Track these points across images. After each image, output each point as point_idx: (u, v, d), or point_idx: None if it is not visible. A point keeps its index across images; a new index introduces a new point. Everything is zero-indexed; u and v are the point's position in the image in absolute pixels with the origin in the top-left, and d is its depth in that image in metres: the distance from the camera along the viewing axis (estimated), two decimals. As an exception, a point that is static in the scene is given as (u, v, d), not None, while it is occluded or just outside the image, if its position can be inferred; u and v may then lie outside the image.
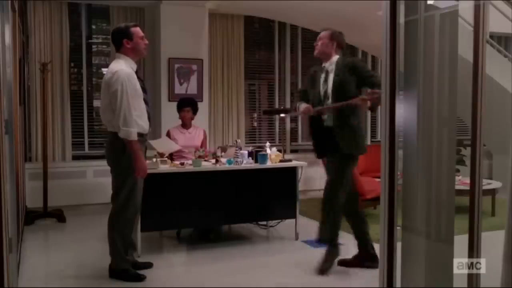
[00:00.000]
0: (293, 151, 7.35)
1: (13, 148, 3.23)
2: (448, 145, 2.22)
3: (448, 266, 2.04)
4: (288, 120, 7.36)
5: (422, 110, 2.17)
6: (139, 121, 3.47)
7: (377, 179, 5.01)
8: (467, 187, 1.89)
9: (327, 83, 3.69)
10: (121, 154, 3.45)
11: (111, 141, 3.52)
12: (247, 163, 4.45)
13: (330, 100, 3.64)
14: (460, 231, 2.02)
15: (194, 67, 6.48)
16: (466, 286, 1.95)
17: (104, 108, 3.53)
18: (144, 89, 3.65)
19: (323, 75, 3.74)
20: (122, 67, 3.45)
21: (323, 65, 3.76)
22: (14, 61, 3.69)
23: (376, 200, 5.01)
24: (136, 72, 3.60)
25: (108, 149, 3.61)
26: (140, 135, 3.47)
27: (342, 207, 3.66)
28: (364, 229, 3.81)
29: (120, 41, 3.53)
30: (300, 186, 4.79)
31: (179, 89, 6.41)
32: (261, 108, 7.58)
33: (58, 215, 5.46)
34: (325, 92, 3.69)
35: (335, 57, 3.72)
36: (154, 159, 4.17)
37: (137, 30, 3.58)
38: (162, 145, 4.55)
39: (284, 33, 7.60)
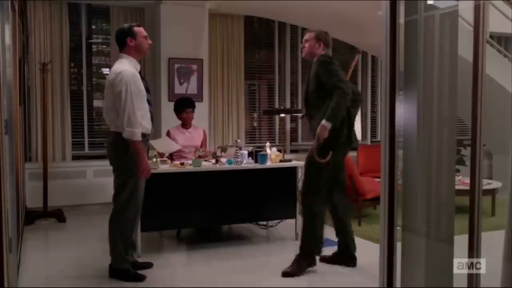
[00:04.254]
0: (293, 151, 7.34)
1: (13, 148, 3.23)
2: (448, 145, 2.22)
3: (448, 266, 2.05)
4: (288, 120, 7.35)
5: (422, 110, 2.17)
6: (143, 121, 3.47)
7: (377, 179, 5.02)
8: (467, 187, 1.89)
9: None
10: (123, 154, 3.45)
11: (113, 141, 3.51)
12: (247, 163, 4.45)
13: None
14: (460, 231, 2.02)
15: (194, 67, 6.48)
16: (466, 286, 1.95)
17: (107, 109, 3.52)
18: (147, 90, 3.65)
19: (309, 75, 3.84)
20: (126, 68, 3.45)
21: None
22: (14, 61, 3.69)
23: (376, 200, 5.02)
24: (140, 73, 3.60)
25: (110, 149, 3.60)
26: (143, 135, 3.47)
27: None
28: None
29: (124, 41, 3.53)
30: (300, 186, 4.78)
31: (179, 89, 6.41)
32: (261, 108, 7.58)
33: (58, 215, 5.46)
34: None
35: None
36: (154, 159, 4.17)
37: (141, 30, 3.58)
38: (162, 145, 4.55)
39: (284, 33, 7.60)
